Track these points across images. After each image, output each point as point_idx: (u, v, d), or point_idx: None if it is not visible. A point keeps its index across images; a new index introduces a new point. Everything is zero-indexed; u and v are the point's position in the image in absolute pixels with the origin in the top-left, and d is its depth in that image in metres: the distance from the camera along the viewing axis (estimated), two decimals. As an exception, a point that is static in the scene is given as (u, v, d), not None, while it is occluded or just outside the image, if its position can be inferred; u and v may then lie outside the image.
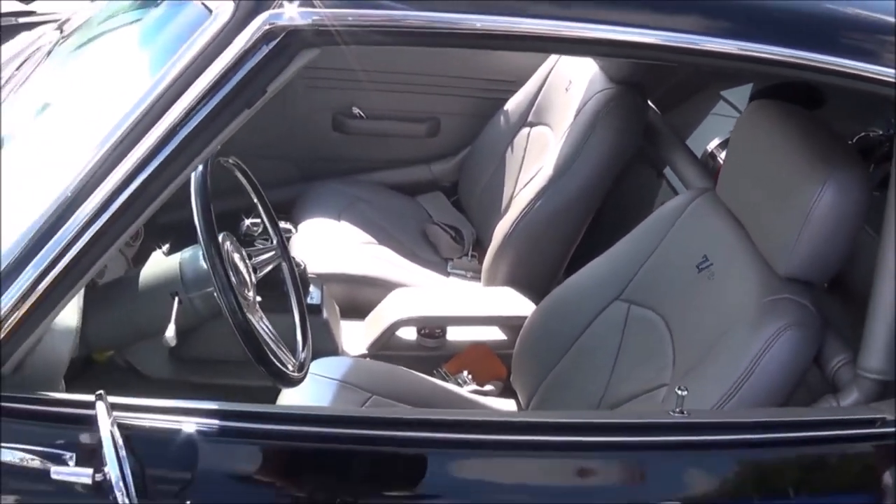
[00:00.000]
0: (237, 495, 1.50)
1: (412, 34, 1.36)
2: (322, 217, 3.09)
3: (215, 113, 1.32)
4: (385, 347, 2.64)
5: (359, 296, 2.79)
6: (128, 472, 1.32)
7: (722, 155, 2.76)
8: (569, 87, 2.94)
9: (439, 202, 3.42)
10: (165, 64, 1.35)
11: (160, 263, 2.04)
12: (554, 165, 2.74)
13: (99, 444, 1.37)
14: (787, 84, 2.18)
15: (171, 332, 1.85)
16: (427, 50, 3.20)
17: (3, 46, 2.72)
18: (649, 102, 2.89)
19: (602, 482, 1.59)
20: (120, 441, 1.33)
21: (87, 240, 1.40)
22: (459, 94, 3.43)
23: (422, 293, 2.83)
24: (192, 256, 2.00)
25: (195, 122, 1.32)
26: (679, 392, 1.56)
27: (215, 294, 1.77)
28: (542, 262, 2.81)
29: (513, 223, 2.77)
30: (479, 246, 3.15)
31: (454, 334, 2.71)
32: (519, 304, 2.69)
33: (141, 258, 2.23)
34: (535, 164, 2.93)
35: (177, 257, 2.02)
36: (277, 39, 1.30)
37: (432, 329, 2.67)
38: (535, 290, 2.68)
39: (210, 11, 1.38)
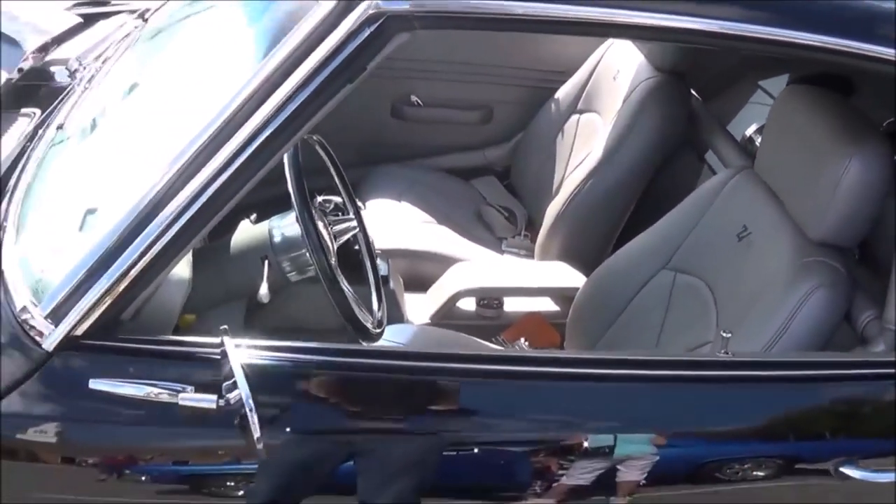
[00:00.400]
0: (331, 420, 1.72)
1: (495, 21, 1.57)
2: (384, 198, 3.29)
3: (322, 87, 1.53)
4: (446, 317, 2.83)
5: (421, 270, 2.99)
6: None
7: (759, 139, 2.95)
8: (616, 76, 3.13)
9: (493, 186, 3.61)
10: (277, 44, 1.56)
11: (249, 231, 2.25)
12: (603, 149, 2.94)
13: (213, 379, 1.58)
14: (821, 74, 2.36)
15: (264, 289, 2.07)
16: (482, 41, 3.43)
17: (84, 36, 2.93)
18: (692, 91, 3.07)
19: (652, 412, 1.79)
20: (245, 368, 1.54)
21: (202, 203, 1.60)
22: (512, 84, 3.62)
23: (481, 266, 3.04)
24: (281, 223, 2.21)
25: (305, 95, 1.53)
26: (724, 335, 1.76)
27: (307, 254, 1.99)
28: (592, 239, 3.00)
29: (564, 203, 2.97)
30: (531, 226, 3.34)
31: (511, 305, 2.90)
32: (571, 277, 2.88)
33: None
34: (584, 148, 3.13)
35: (265, 224, 2.23)
36: (378, 23, 1.51)
37: (490, 300, 2.87)
38: (586, 265, 2.86)
39: (317, -1, 1.60)
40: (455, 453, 1.74)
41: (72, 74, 2.57)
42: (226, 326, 1.57)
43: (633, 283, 2.48)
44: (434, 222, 3.25)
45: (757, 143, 2.92)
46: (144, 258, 1.61)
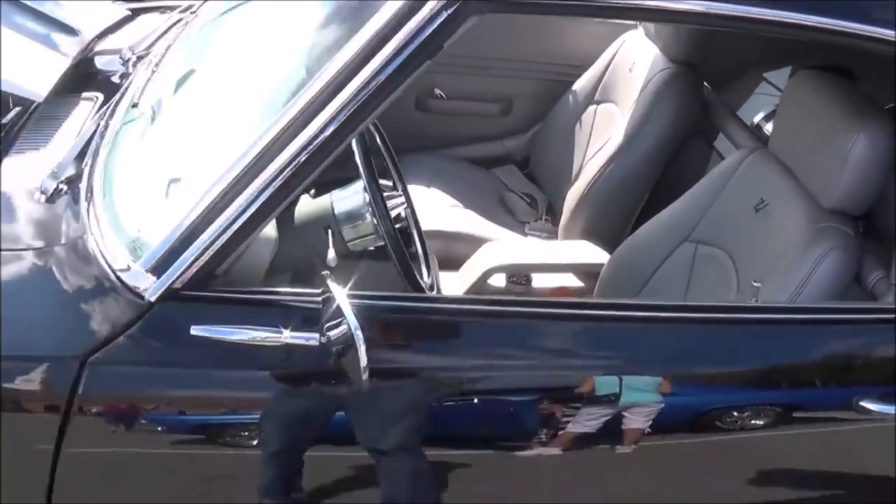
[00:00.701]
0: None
1: (559, 6, 1.80)
2: (413, 185, 3.47)
3: (407, 62, 1.74)
4: (478, 293, 3.00)
5: (454, 250, 3.19)
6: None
7: (767, 126, 3.18)
8: (632, 67, 3.34)
9: (513, 174, 3.82)
10: (365, 23, 1.77)
11: (311, 203, 2.44)
12: (623, 136, 3.15)
13: (308, 325, 1.79)
14: (824, 66, 2.58)
15: (331, 254, 2.26)
16: (501, 36, 3.64)
17: (133, 26, 3.13)
18: (704, 82, 3.29)
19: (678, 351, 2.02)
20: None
21: (289, 173, 1.79)
22: (530, 78, 3.84)
23: (510, 245, 3.25)
24: (342, 194, 2.41)
25: (393, 68, 1.74)
26: (754, 284, 1.99)
27: (368, 222, 2.21)
28: (613, 220, 3.21)
29: (586, 186, 3.19)
30: (551, 211, 3.55)
31: (539, 281, 3.10)
32: (596, 254, 3.08)
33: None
34: (602, 136, 3.34)
35: (327, 197, 2.43)
36: (455, 6, 1.72)
37: (520, 276, 3.07)
38: (608, 244, 3.07)
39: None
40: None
41: (125, 63, 2.76)
42: (327, 271, 1.78)
43: (656, 257, 2.69)
44: (461, 207, 3.45)
45: (765, 130, 3.15)
46: (243, 216, 1.80)
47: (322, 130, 1.77)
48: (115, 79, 2.74)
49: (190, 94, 2.40)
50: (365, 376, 1.73)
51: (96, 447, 1.91)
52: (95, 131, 2.39)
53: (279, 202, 1.84)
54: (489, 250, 3.10)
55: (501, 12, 1.77)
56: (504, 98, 3.84)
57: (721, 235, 2.54)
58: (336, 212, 2.36)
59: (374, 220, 2.23)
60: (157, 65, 2.58)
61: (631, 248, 2.80)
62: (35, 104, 2.61)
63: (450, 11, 1.72)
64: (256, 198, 1.80)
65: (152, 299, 1.83)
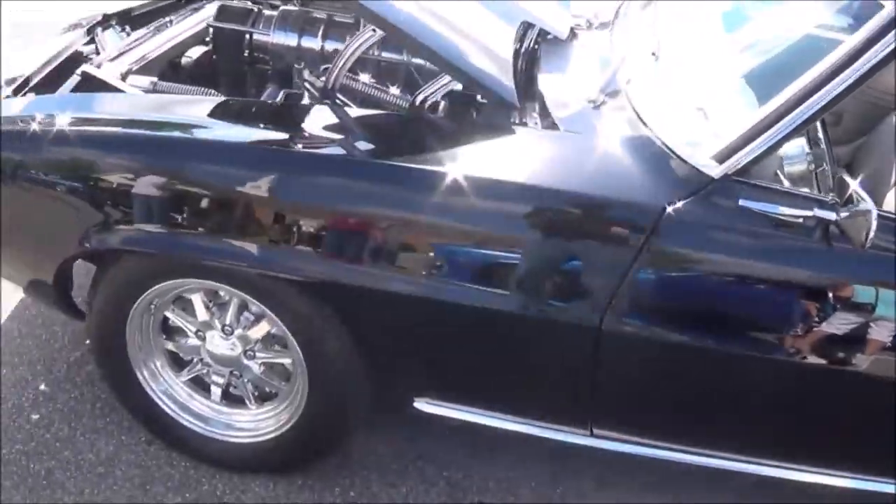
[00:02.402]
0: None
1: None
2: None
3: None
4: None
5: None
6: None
7: None
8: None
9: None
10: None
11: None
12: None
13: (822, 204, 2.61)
14: None
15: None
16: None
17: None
18: None
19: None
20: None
21: (819, 107, 2.55)
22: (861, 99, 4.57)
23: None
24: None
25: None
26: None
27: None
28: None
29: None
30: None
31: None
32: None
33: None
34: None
35: None
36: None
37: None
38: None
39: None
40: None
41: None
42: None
43: None
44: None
45: None
46: (785, 130, 2.59)
47: (839, 84, 2.54)
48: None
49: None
50: (868, 244, 2.51)
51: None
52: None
53: (809, 123, 2.62)
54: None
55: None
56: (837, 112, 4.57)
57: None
58: None
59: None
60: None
61: None
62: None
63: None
64: (797, 118, 2.57)
65: (716, 177, 2.66)
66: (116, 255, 3.11)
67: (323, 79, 3.29)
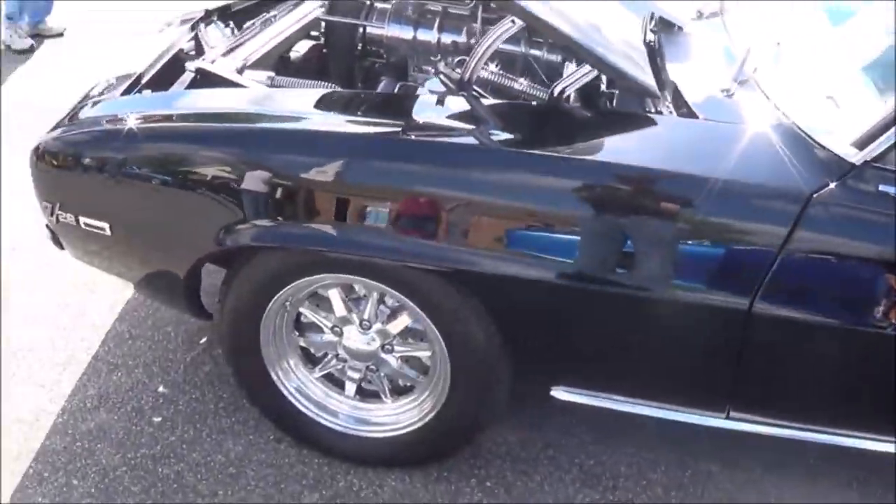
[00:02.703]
0: None
1: None
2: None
3: None
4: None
5: None
6: None
7: None
8: None
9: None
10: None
11: None
12: None
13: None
14: None
15: None
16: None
17: None
18: None
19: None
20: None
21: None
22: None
23: None
24: None
25: None
26: None
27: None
28: None
29: None
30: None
31: None
32: None
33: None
34: None
35: None
36: None
37: None
38: None
39: None
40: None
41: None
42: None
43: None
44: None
45: None
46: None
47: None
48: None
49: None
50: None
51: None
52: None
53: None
54: None
55: None
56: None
57: None
58: None
59: None
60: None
61: None
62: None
63: None
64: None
65: (857, 163, 2.73)
66: (249, 255, 3.17)
67: (458, 70, 3.34)
